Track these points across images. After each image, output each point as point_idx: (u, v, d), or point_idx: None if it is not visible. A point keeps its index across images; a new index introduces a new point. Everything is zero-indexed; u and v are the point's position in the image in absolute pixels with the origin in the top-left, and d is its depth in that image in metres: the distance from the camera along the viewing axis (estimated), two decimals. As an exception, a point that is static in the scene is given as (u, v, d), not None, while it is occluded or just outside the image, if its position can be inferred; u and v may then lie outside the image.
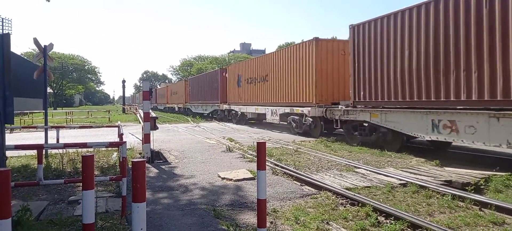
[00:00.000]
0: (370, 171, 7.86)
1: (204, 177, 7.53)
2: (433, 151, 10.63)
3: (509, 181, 6.59)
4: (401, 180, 6.90)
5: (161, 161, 9.46)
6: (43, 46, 10.10)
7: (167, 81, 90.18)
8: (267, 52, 29.94)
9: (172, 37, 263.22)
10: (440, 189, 6.08)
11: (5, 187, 2.60)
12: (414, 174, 7.48)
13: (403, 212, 4.91)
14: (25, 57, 56.77)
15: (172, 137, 15.50)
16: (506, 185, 6.43)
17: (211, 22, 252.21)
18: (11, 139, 14.26)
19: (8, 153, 7.08)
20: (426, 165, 8.45)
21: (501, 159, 9.17)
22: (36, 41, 10.03)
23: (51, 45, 10.45)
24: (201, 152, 11.03)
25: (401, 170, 7.91)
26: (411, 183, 6.53)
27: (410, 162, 9.01)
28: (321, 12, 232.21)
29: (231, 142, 13.50)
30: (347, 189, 6.21)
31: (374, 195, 5.97)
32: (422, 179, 6.85)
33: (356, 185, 6.56)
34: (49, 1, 11.08)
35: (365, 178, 7.23)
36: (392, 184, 6.56)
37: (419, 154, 9.82)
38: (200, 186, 6.77)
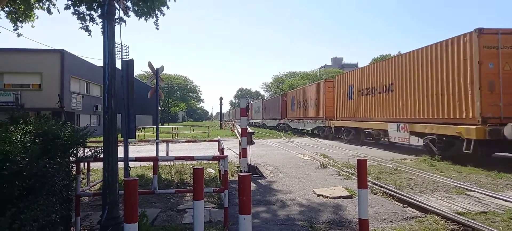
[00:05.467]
0: (485, 194, 7.00)
1: (299, 192, 7.55)
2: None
3: None
4: (526, 206, 6.00)
5: (257, 175, 9.77)
6: (156, 69, 11.34)
7: (260, 97, 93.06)
8: (360, 66, 28.94)
9: (264, 54, 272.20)
10: None
11: (133, 195, 3.00)
12: (543, 200, 6.44)
13: (531, 244, 4.27)
14: (138, 79, 64.22)
15: (266, 152, 15.90)
16: None
17: (302, 37, 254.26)
18: (129, 151, 16.19)
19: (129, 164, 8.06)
20: (559, 191, 7.21)
21: None
22: (150, 65, 11.32)
23: (162, 68, 11.68)
24: (295, 167, 11.09)
25: (525, 195, 6.88)
26: (540, 210, 5.65)
27: (537, 186, 7.79)
28: (418, 23, 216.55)
29: (324, 158, 13.31)
30: (458, 213, 5.62)
31: (492, 221, 5.29)
32: (554, 207, 5.87)
33: (469, 210, 5.89)
34: (158, 29, 12.57)
35: (480, 202, 6.46)
36: (514, 211, 5.74)
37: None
38: (297, 201, 6.80)
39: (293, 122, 32.73)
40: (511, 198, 6.59)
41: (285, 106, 36.08)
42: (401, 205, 6.45)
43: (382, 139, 18.01)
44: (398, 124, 14.65)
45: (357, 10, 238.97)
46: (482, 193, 7.09)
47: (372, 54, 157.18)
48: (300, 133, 30.57)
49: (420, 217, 5.60)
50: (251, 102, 71.10)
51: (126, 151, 5.28)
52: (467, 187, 7.64)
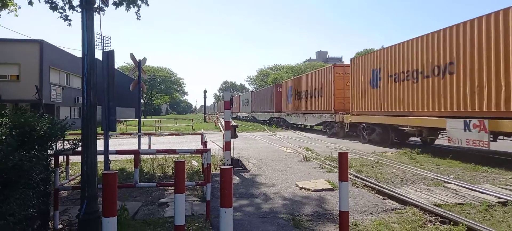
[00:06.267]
0: (462, 186, 7.20)
1: (282, 185, 7.59)
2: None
3: None
4: (500, 197, 6.20)
5: (241, 168, 9.77)
6: (138, 61, 11.16)
7: (244, 90, 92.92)
8: (344, 60, 28.32)
9: (249, 47, 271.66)
10: (551, 211, 5.34)
11: (112, 188, 2.95)
12: (517, 192, 6.66)
13: (504, 235, 4.41)
14: (120, 70, 63.17)
15: (250, 145, 15.91)
16: None
17: (288, 31, 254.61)
18: (110, 144, 15.93)
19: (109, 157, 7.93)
20: (531, 183, 7.47)
21: None
22: (132, 57, 11.12)
23: (144, 60, 11.50)
24: (279, 160, 11.15)
25: (499, 187, 7.11)
26: (513, 202, 5.84)
27: (510, 178, 8.05)
28: (400, 17, 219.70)
29: (307, 151, 13.42)
30: (436, 205, 5.77)
31: (468, 213, 5.45)
32: (527, 199, 6.07)
33: (447, 202, 6.05)
34: (139, 19, 12.32)
35: (457, 194, 6.64)
36: (489, 202, 5.93)
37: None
38: (279, 194, 6.84)
39: (290, 115, 28.79)
40: (487, 190, 6.79)
41: (280, 98, 32.43)
42: (381, 197, 6.57)
43: (429, 140, 13.91)
44: (467, 120, 10.41)
45: (341, 5, 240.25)
46: (459, 185, 7.28)
47: (356, 48, 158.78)
48: (300, 128, 27.80)
49: (399, 209, 5.72)
50: (239, 94, 69.76)
51: (106, 144, 5.19)
52: (445, 180, 7.84)
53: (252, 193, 6.98)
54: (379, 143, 15.35)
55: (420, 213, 5.43)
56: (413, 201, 5.94)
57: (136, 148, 11.26)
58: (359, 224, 5.05)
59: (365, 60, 16.91)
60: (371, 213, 5.57)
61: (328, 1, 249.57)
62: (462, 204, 5.92)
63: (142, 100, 74.84)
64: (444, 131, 11.74)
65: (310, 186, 7.30)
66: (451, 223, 4.90)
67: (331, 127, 20.95)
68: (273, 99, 33.70)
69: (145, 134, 12.09)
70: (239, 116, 55.20)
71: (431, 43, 12.31)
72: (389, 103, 14.79)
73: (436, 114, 12.00)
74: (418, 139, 15.09)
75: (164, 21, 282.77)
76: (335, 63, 22.19)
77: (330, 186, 7.27)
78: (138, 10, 10.71)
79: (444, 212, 5.27)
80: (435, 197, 6.37)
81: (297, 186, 7.49)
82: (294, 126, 29.07)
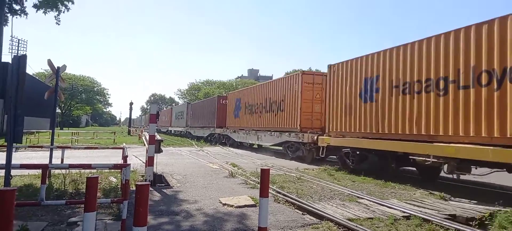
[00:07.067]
0: (373, 202, 7.77)
1: (205, 202, 7.49)
2: (439, 184, 10.50)
3: (515, 217, 6.47)
4: (404, 212, 6.81)
5: (163, 185, 9.45)
6: (56, 68, 10.31)
7: (174, 104, 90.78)
8: (274, 78, 26.52)
9: (180, 60, 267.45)
10: (444, 223, 5.99)
11: (8, 207, 2.65)
12: (418, 206, 7.39)
13: (405, 246, 4.83)
14: (37, 77, 57.78)
15: (175, 160, 15.51)
16: (510, 221, 6.32)
17: (219, 48, 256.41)
18: (16, 157, 14.36)
19: (13, 172, 7.13)
20: (430, 198, 8.35)
21: (505, 194, 9.04)
22: (50, 63, 10.24)
23: (64, 67, 10.66)
24: (204, 176, 11.01)
25: (405, 202, 7.82)
26: (415, 216, 6.44)
27: (414, 194, 8.92)
28: (329, 40, 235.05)
29: (234, 167, 13.47)
30: (349, 219, 6.14)
31: (376, 226, 5.89)
32: (426, 212, 6.76)
33: (359, 216, 6.48)
34: (59, 24, 11.45)
35: (368, 209, 7.15)
36: (395, 216, 6.48)
37: (423, 186, 9.71)
38: (202, 211, 6.73)
39: (237, 132, 24.80)
40: (394, 205, 7.43)
41: (225, 112, 28.63)
42: (301, 212, 6.82)
43: (460, 176, 9.45)
44: None
45: (271, 25, 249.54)
46: (370, 201, 7.86)
47: (285, 68, 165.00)
48: (250, 148, 24.23)
49: (316, 224, 5.98)
50: (171, 107, 66.49)
51: (9, 157, 4.67)
52: (358, 195, 8.41)
53: (173, 210, 6.77)
54: (373, 173, 11.49)
55: (335, 228, 5.74)
56: (329, 216, 6.26)
57: (47, 161, 10.29)
58: (278, 240, 5.17)
59: (352, 66, 12.87)
60: (289, 228, 5.74)
61: (259, 20, 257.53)
62: (372, 218, 6.39)
63: (58, 110, 69.14)
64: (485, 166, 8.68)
65: (233, 202, 7.31)
66: (361, 236, 5.24)
67: (296, 149, 17.10)
68: (215, 112, 29.91)
69: (59, 147, 11.11)
70: (171, 131, 49.72)
71: (475, 39, 8.68)
72: (392, 123, 10.87)
73: (479, 141, 8.39)
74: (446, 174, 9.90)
75: (94, 29, 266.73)
76: (303, 70, 17.65)
77: (253, 202, 7.35)
78: (59, 14, 10.00)
79: (356, 226, 5.63)
80: (349, 212, 6.78)
81: (221, 202, 7.45)
82: (243, 144, 25.50)
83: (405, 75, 10.61)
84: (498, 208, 7.01)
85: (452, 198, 8.34)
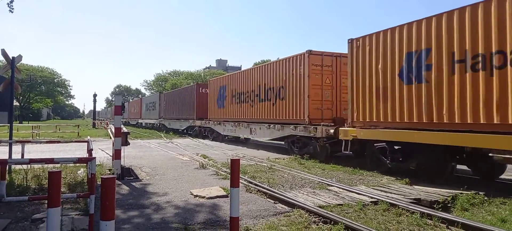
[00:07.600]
0: (342, 188, 7.95)
1: (176, 194, 7.38)
2: (404, 170, 10.84)
3: (475, 199, 6.82)
4: (372, 198, 7.01)
5: (132, 178, 9.23)
6: (11, 58, 9.73)
7: (140, 95, 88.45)
8: (243, 68, 24.79)
9: (146, 51, 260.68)
10: (410, 207, 6.22)
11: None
12: (385, 192, 7.63)
13: (374, 230, 4.98)
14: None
15: (144, 153, 15.18)
16: (471, 203, 6.66)
17: (187, 38, 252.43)
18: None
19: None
20: (396, 183, 8.65)
21: (470, 179, 9.49)
22: (4, 53, 9.65)
23: (19, 57, 10.08)
24: (174, 168, 10.84)
25: (372, 188, 8.05)
26: (382, 201, 6.65)
27: (381, 180, 9.20)
28: (296, 30, 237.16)
29: (204, 158, 13.37)
30: (320, 207, 6.25)
31: (346, 213, 6.03)
32: (392, 197, 7.00)
33: (329, 203, 6.61)
34: (12, 12, 10.72)
35: (338, 196, 7.31)
36: (363, 202, 6.66)
37: (389, 173, 10.03)
38: (172, 203, 6.63)
39: (223, 124, 21.60)
40: (362, 191, 7.63)
41: (206, 101, 25.14)
42: (273, 201, 6.86)
43: None
44: None
45: (239, 15, 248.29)
46: (340, 188, 8.04)
47: (254, 58, 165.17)
48: (241, 143, 21.21)
49: (288, 212, 6.05)
50: (141, 97, 63.76)
51: (-39, 153, 4.35)
52: (328, 183, 8.58)
53: (143, 203, 6.62)
54: (426, 180, 8.81)
55: (306, 215, 5.82)
56: (300, 204, 6.34)
57: (6, 157, 9.75)
58: (251, 229, 5.18)
59: (386, 39, 10.01)
60: (262, 217, 5.76)
61: (226, 11, 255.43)
62: (342, 204, 6.53)
63: (16, 103, 65.64)
64: None
65: (205, 194, 7.25)
66: (332, 222, 5.36)
67: (304, 145, 14.20)
68: (194, 102, 26.58)
69: (18, 141, 10.56)
70: (142, 123, 45.88)
71: None
72: (455, 110, 8.20)
73: None
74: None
75: (52, 17, 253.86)
76: (310, 50, 13.88)
77: (224, 193, 7.32)
78: (12, 1, 9.39)
79: (326, 213, 5.74)
80: (319, 199, 6.90)
81: (192, 194, 7.37)
82: (230, 138, 22.61)
83: (475, 46, 7.81)
84: (460, 192, 7.37)
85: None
